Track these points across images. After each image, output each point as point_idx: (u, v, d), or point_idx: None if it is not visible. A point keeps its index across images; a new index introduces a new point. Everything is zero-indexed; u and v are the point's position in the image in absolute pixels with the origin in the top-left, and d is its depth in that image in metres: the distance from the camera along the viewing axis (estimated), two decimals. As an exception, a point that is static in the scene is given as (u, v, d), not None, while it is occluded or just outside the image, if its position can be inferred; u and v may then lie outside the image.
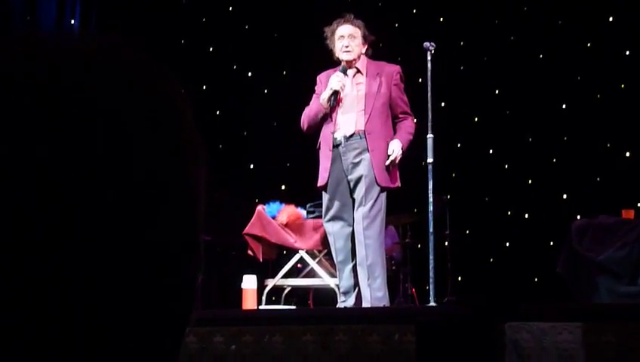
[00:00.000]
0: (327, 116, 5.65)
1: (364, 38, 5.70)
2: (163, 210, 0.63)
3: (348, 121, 5.59)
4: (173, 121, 0.66)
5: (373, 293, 5.40)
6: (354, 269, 5.59)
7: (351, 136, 5.56)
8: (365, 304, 5.41)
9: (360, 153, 5.53)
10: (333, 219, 5.66)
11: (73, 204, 0.59)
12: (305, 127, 5.79)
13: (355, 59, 5.67)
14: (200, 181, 0.67)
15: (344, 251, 5.65)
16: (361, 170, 5.51)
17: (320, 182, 5.66)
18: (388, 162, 5.52)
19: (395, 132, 5.66)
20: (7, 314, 0.59)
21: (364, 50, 5.72)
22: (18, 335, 0.59)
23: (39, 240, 0.59)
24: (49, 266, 0.59)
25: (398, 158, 5.56)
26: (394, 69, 5.72)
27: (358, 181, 5.52)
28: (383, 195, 5.56)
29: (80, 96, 0.61)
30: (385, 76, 5.64)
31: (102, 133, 0.61)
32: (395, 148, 5.53)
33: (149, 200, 0.62)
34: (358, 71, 5.71)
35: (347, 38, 5.65)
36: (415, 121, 5.80)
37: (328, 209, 5.68)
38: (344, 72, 5.63)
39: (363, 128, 5.54)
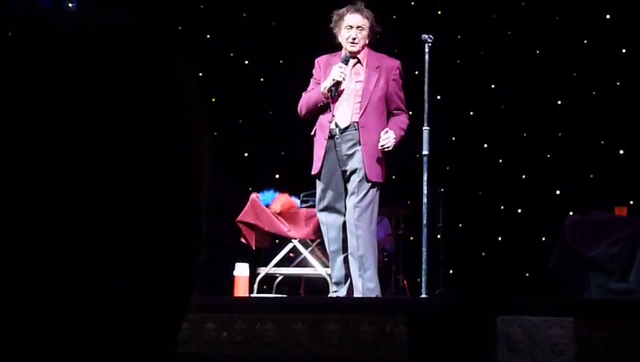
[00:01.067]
0: (326, 105, 5.62)
1: (372, 29, 5.62)
2: (165, 188, 0.63)
3: (344, 113, 5.58)
4: (179, 98, 0.66)
5: (365, 284, 5.40)
6: (346, 259, 5.59)
7: (346, 127, 5.55)
8: (357, 294, 5.42)
9: (354, 145, 5.53)
10: (326, 209, 5.66)
11: (76, 180, 0.59)
12: (302, 113, 5.72)
13: (358, 51, 5.64)
14: (203, 160, 0.67)
15: (337, 241, 5.65)
16: (355, 163, 5.51)
17: (314, 171, 5.66)
18: (380, 145, 5.49)
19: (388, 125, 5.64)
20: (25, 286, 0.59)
21: (367, 41, 5.67)
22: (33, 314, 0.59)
23: (44, 214, 0.58)
24: (53, 243, 0.58)
25: (389, 147, 5.52)
26: (394, 64, 5.68)
27: (352, 173, 5.53)
28: (378, 189, 5.57)
29: (85, 73, 0.61)
30: (384, 70, 5.61)
31: (107, 109, 0.61)
32: (389, 137, 5.50)
33: (151, 177, 0.62)
34: (359, 61, 5.67)
35: (355, 29, 5.56)
36: (409, 117, 5.76)
37: (321, 199, 5.68)
38: (346, 62, 5.55)
39: (357, 120, 5.53)
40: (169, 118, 0.64)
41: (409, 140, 5.95)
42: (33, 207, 0.58)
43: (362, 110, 5.53)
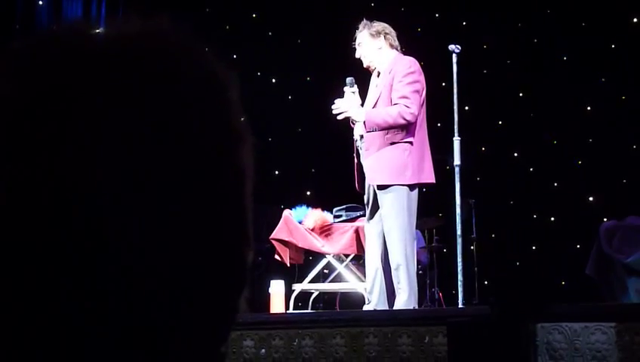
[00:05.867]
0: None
1: (372, 35, 5.50)
2: (213, 191, 0.64)
3: (358, 124, 5.53)
4: (222, 100, 0.67)
5: (401, 297, 5.34)
6: (383, 271, 5.50)
7: (362, 138, 5.48)
8: (395, 307, 5.37)
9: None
10: (368, 220, 5.55)
11: (122, 182, 0.60)
12: None
13: (371, 61, 5.52)
14: (247, 161, 0.67)
15: (371, 252, 5.55)
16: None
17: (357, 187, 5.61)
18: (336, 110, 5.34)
19: (407, 131, 5.34)
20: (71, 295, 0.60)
21: (381, 45, 5.50)
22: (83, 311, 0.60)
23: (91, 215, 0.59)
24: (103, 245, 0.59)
25: (342, 114, 5.31)
26: (401, 62, 5.43)
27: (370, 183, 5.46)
28: (401, 194, 5.28)
29: (130, 78, 0.62)
30: (394, 72, 5.41)
31: (154, 113, 0.62)
32: (353, 109, 5.32)
33: (198, 180, 0.63)
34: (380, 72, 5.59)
35: (357, 49, 5.54)
36: (410, 111, 5.25)
37: (365, 210, 5.64)
38: (350, 85, 5.52)
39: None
40: (211, 120, 0.65)
41: (438, 151, 5.91)
42: (90, 215, 0.59)
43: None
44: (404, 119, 5.24)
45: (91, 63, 0.62)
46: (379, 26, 5.54)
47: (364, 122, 5.30)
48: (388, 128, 5.28)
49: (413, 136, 5.35)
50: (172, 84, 0.63)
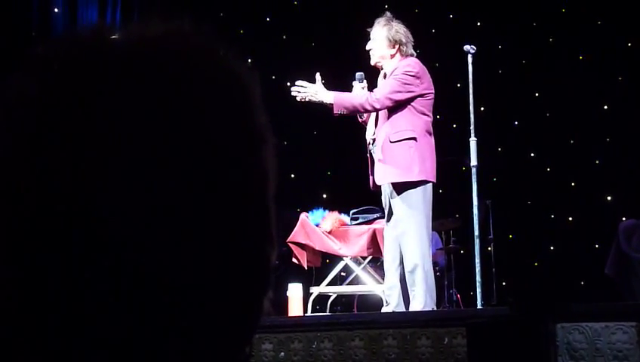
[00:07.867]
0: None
1: (388, 40, 5.36)
2: (237, 189, 0.64)
3: (370, 126, 5.51)
4: (245, 101, 0.67)
5: (416, 302, 5.28)
6: (400, 271, 5.44)
7: (373, 141, 5.44)
8: (411, 309, 5.34)
9: None
10: (386, 222, 5.51)
11: (148, 183, 0.60)
12: None
13: (377, 62, 5.44)
14: (269, 161, 0.67)
15: (388, 253, 5.50)
16: None
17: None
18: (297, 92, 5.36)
19: (409, 129, 5.23)
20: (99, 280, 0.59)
21: (393, 53, 5.37)
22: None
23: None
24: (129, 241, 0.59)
25: (302, 94, 5.37)
26: (405, 62, 5.32)
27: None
28: (412, 195, 5.20)
29: (152, 79, 0.62)
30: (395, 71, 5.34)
31: (177, 114, 0.62)
32: (321, 91, 5.33)
33: (222, 179, 0.63)
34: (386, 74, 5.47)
35: (370, 42, 5.43)
36: (375, 97, 5.24)
37: (382, 212, 5.60)
38: (360, 80, 5.52)
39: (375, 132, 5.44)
40: (235, 122, 0.65)
41: (454, 152, 5.88)
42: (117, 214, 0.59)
43: (375, 120, 5.43)
44: (370, 105, 5.26)
45: (114, 65, 0.62)
46: (397, 33, 5.37)
47: (332, 104, 5.28)
48: (354, 111, 5.33)
49: (417, 133, 5.24)
50: (195, 85, 0.63)
